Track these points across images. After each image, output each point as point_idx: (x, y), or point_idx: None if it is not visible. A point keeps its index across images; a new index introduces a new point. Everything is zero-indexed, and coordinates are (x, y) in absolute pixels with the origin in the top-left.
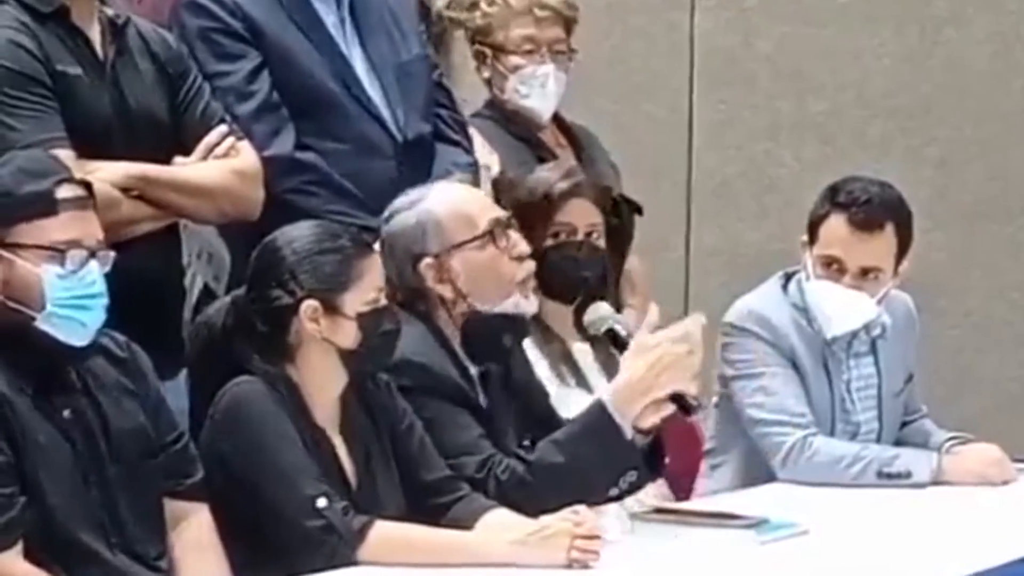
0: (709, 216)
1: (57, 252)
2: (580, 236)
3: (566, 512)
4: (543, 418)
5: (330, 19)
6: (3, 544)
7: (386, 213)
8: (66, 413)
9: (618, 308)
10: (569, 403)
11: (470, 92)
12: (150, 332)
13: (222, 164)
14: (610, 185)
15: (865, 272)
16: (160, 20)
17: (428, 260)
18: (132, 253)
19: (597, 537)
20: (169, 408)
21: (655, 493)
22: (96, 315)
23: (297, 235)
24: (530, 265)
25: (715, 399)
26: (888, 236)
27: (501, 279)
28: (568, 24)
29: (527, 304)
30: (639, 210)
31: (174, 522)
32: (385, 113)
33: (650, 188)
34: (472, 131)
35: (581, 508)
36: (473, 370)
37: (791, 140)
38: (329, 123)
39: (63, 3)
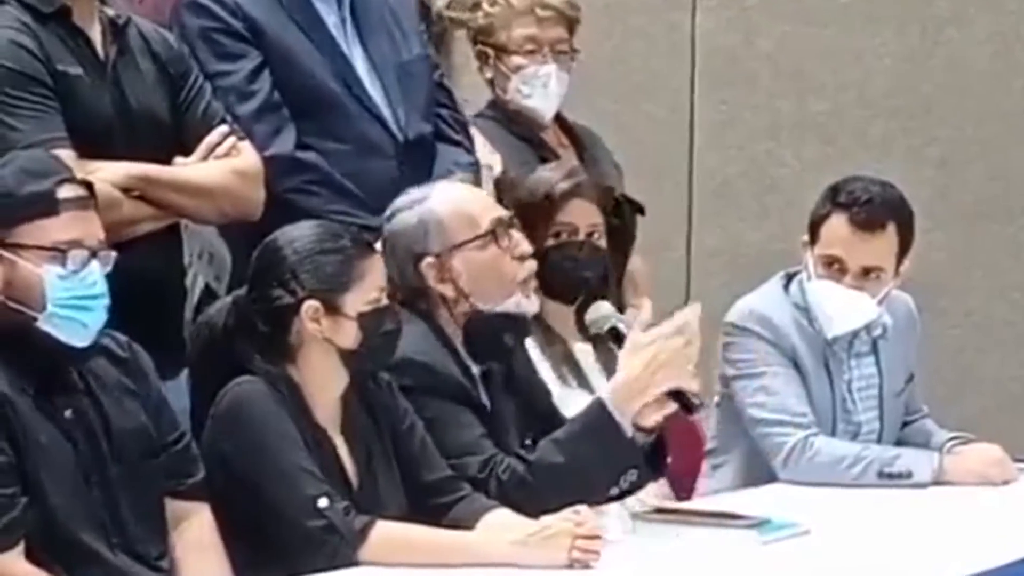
0: (710, 216)
1: (58, 252)
2: (581, 236)
3: (567, 512)
4: (546, 417)
5: (331, 19)
6: (5, 544)
7: (388, 212)
8: (68, 413)
9: (621, 308)
10: (571, 404)
11: (470, 92)
12: (151, 332)
13: (223, 164)
14: (612, 185)
15: (866, 272)
16: (161, 20)
17: (430, 259)
18: (133, 253)
19: (598, 537)
20: (171, 408)
21: (656, 493)
22: (97, 315)
23: (298, 235)
24: (531, 265)
25: (716, 399)
26: (889, 236)
27: (503, 279)
28: (570, 24)
29: (528, 304)
30: (641, 210)
31: (175, 522)
32: (386, 113)
33: (651, 188)
34: (474, 131)
35: (582, 508)
36: (475, 369)
37: (792, 140)
38: (330, 123)
39: (64, 3)
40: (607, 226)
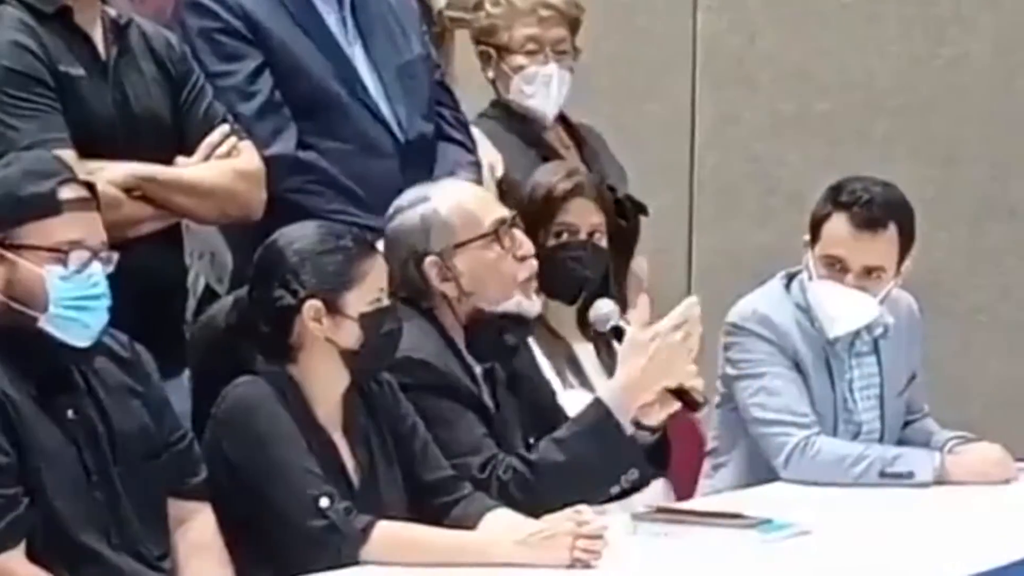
0: (712, 216)
1: (60, 253)
2: (583, 236)
3: (569, 512)
4: (550, 416)
5: (331, 19)
6: (6, 544)
7: (390, 211)
8: (70, 413)
9: (624, 308)
10: (572, 403)
11: (470, 92)
12: (153, 332)
13: (224, 164)
14: (613, 185)
15: (868, 272)
16: (163, 20)
17: (432, 258)
18: (135, 253)
19: (600, 537)
20: (173, 408)
21: (657, 493)
22: (99, 316)
23: (299, 235)
24: (533, 264)
25: (717, 399)
26: (891, 236)
27: (504, 278)
28: (573, 24)
29: (529, 305)
30: (644, 211)
31: (178, 522)
32: (387, 113)
33: (653, 188)
34: (477, 131)
35: (583, 508)
36: (478, 369)
37: (794, 140)
38: (331, 123)
39: (65, 3)
40: (610, 226)
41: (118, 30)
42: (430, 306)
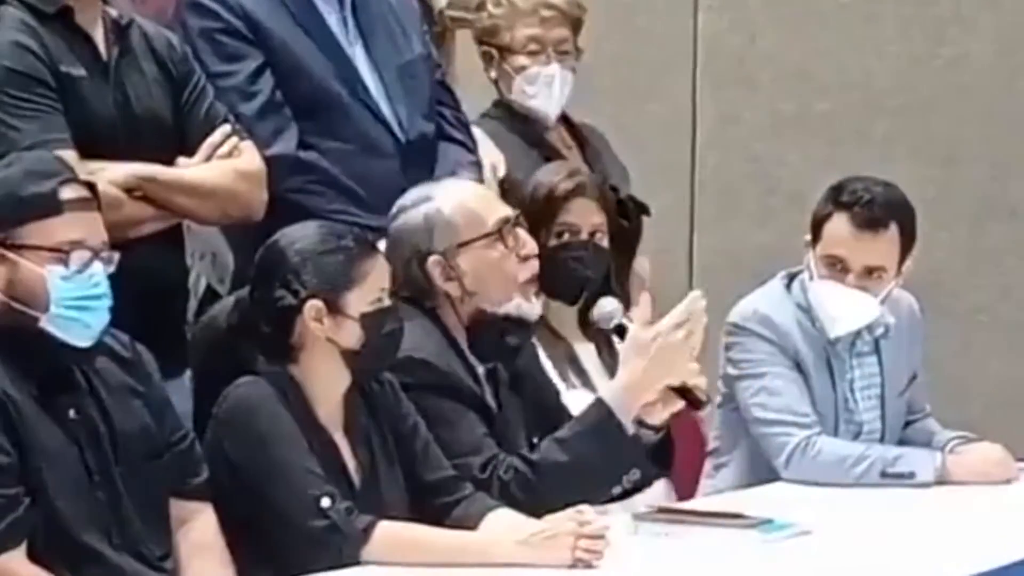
0: (712, 216)
1: (61, 253)
2: (584, 236)
3: (570, 512)
4: (554, 416)
5: (332, 19)
6: (8, 544)
7: (393, 210)
8: (71, 414)
9: (627, 308)
10: (573, 403)
11: (471, 92)
12: (154, 332)
13: (225, 165)
14: (616, 185)
15: (869, 272)
16: (164, 21)
17: (435, 258)
18: (136, 253)
19: (601, 537)
20: (174, 408)
21: (659, 493)
22: (100, 316)
23: (300, 235)
24: (534, 265)
25: (718, 399)
26: (892, 236)
27: (506, 279)
28: (575, 24)
29: (529, 308)
30: (647, 211)
31: (179, 522)
32: (387, 113)
33: (654, 188)
34: (479, 132)
35: (585, 508)
36: (480, 368)
37: (795, 140)
38: (332, 123)
39: (66, 4)
40: (612, 226)
41: (119, 30)
42: (433, 306)
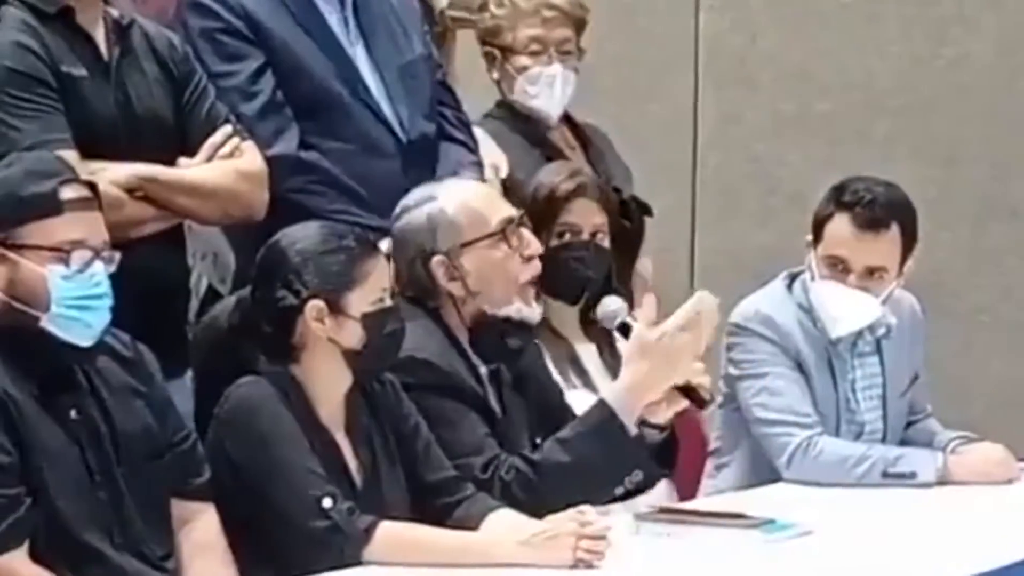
0: (714, 216)
1: (62, 252)
2: (585, 236)
3: (571, 512)
4: (558, 416)
5: (333, 19)
6: (9, 545)
7: (397, 209)
8: (72, 413)
9: (630, 309)
10: (575, 404)
11: (472, 92)
12: (155, 332)
13: (227, 165)
14: (618, 186)
15: (870, 272)
16: (165, 21)
17: (439, 258)
18: (137, 254)
19: (602, 537)
20: (176, 408)
21: (660, 493)
22: (101, 315)
23: (302, 235)
24: (536, 266)
25: (720, 399)
26: (893, 236)
27: (509, 279)
28: (577, 24)
29: (529, 311)
30: (649, 212)
31: (181, 522)
32: (389, 113)
33: (655, 188)
34: (482, 132)
35: (586, 508)
36: (483, 369)
37: (796, 140)
38: (333, 123)
39: (67, 4)
40: (613, 227)
41: (120, 30)
42: (436, 306)
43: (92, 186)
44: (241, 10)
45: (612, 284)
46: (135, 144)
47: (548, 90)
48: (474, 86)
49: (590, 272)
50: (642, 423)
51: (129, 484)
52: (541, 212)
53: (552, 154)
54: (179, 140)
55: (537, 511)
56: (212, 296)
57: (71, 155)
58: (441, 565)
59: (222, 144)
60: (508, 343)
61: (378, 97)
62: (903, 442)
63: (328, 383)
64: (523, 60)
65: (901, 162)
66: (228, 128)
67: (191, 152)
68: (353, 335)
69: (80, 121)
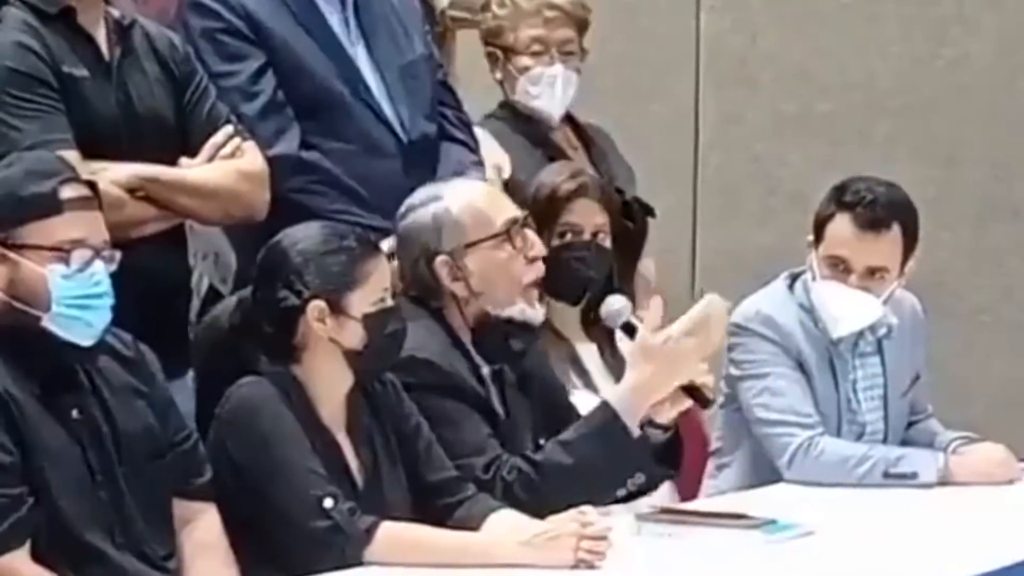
0: (715, 216)
1: (62, 252)
2: (587, 236)
3: (573, 513)
4: (564, 416)
5: (334, 19)
6: (10, 544)
7: (402, 208)
8: (74, 413)
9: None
10: (576, 405)
11: (473, 93)
12: (157, 333)
13: (228, 165)
14: (620, 186)
15: (871, 272)
16: (166, 21)
17: (443, 257)
18: (138, 254)
19: (604, 538)
20: (177, 408)
21: (661, 493)
22: (102, 315)
23: (303, 236)
24: (539, 268)
25: (721, 399)
26: (894, 236)
27: (513, 280)
28: (580, 24)
29: (533, 313)
30: (652, 212)
31: (183, 522)
32: (389, 113)
33: (656, 189)
34: (484, 132)
35: (588, 509)
36: (485, 369)
37: (797, 140)
38: (334, 123)
39: (69, 4)
40: (615, 227)
41: (121, 31)
42: (439, 306)
43: (92, 185)
44: (242, 10)
45: (613, 284)
46: (136, 144)
47: (550, 90)
48: (475, 86)
49: (591, 272)
50: (647, 423)
51: (131, 484)
52: (542, 212)
53: (554, 154)
54: (180, 140)
55: (539, 512)
56: (213, 296)
57: (72, 155)
58: (442, 565)
59: (223, 144)
60: (511, 344)
61: (379, 97)
62: (904, 442)
63: (329, 383)
64: (525, 60)
65: (902, 162)
66: (229, 128)
67: (192, 152)
68: (354, 335)
69: (81, 121)
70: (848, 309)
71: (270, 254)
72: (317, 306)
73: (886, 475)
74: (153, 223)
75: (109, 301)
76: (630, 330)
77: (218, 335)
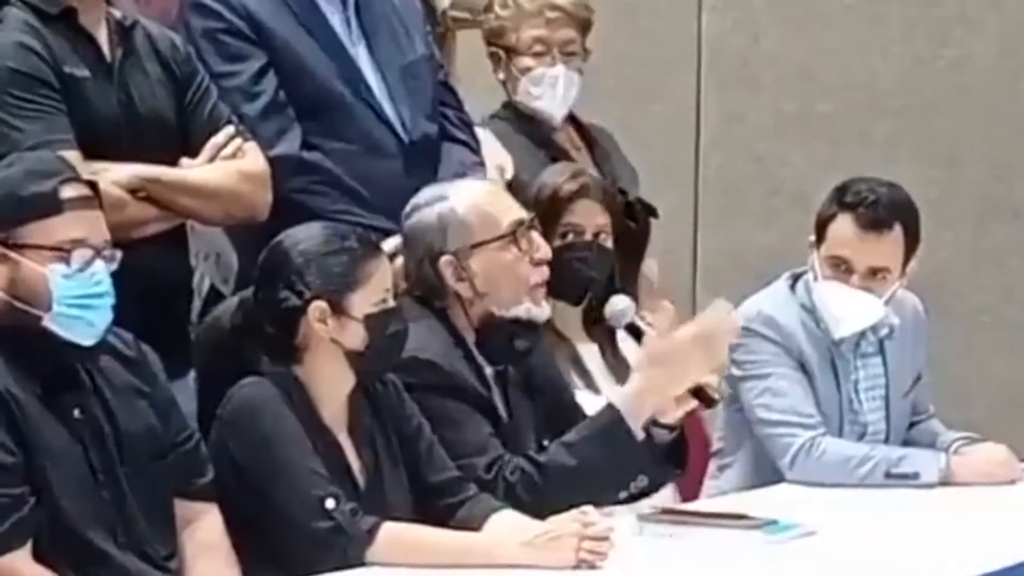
0: (716, 217)
1: (62, 251)
2: (588, 237)
3: (574, 513)
4: (569, 416)
5: (335, 19)
6: (12, 544)
7: (408, 208)
8: (76, 413)
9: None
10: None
11: (474, 93)
12: (158, 333)
13: (229, 166)
14: (623, 187)
15: (873, 273)
16: (167, 22)
17: (448, 257)
18: (140, 254)
19: (605, 538)
20: (179, 408)
21: (663, 494)
22: (103, 314)
23: (304, 236)
24: (544, 271)
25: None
26: (896, 236)
27: (518, 281)
28: (582, 25)
29: (538, 311)
30: (655, 213)
31: (185, 523)
32: (391, 113)
33: (658, 189)
34: (487, 133)
35: (589, 509)
36: (488, 370)
37: (798, 140)
38: (335, 123)
39: (70, 5)
40: (617, 227)
41: (123, 31)
42: (443, 306)
43: (92, 185)
44: (243, 11)
45: (615, 285)
46: (137, 145)
47: (551, 91)
48: (476, 87)
49: (593, 273)
50: (652, 423)
51: (132, 484)
52: (544, 213)
53: (557, 155)
54: (181, 141)
55: (540, 513)
56: (215, 297)
57: (74, 156)
58: (444, 566)
59: (224, 145)
60: (516, 344)
61: (380, 97)
62: (906, 443)
63: (331, 384)
64: (527, 61)
65: (903, 163)
66: (230, 129)
67: (193, 153)
68: (356, 336)
69: (83, 122)
70: (850, 309)
71: (271, 255)
72: (318, 307)
73: (888, 475)
74: (154, 223)
75: (110, 301)
76: (634, 330)
77: (220, 335)
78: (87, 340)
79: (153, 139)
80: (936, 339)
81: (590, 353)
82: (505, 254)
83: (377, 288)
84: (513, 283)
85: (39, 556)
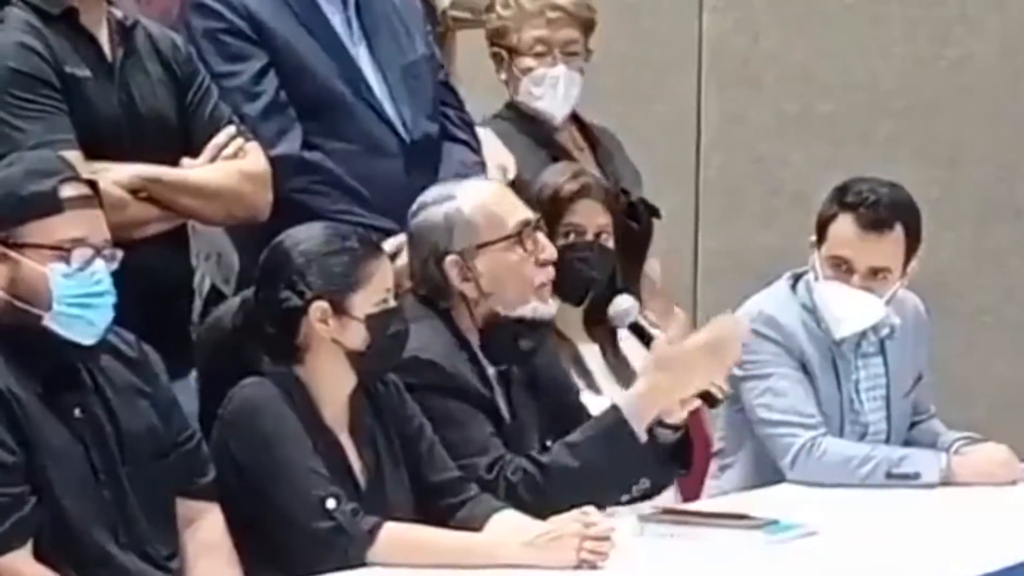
0: (717, 217)
1: (62, 251)
2: (589, 237)
3: (575, 513)
4: (574, 415)
5: (336, 19)
6: (13, 544)
7: (415, 206)
8: (76, 412)
9: None
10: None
11: (475, 93)
12: (159, 333)
13: (230, 166)
14: (626, 187)
15: (874, 272)
16: (168, 22)
17: (453, 257)
18: (141, 254)
19: (606, 538)
20: (181, 408)
21: (664, 494)
22: (103, 313)
23: (305, 236)
24: (550, 271)
25: None
26: (897, 236)
27: (523, 282)
28: (584, 25)
29: (545, 309)
30: (657, 213)
31: (186, 522)
32: (391, 113)
33: (659, 189)
34: (490, 133)
35: (590, 509)
36: (490, 370)
37: (799, 140)
38: (336, 123)
39: (71, 5)
40: (618, 228)
41: (124, 31)
42: (447, 306)
43: (92, 184)
44: (244, 11)
45: (616, 285)
46: (138, 145)
47: (552, 91)
48: (478, 87)
49: (594, 273)
50: (656, 423)
51: (134, 483)
52: (545, 213)
53: (559, 155)
54: (183, 141)
55: (542, 513)
56: (216, 297)
57: (75, 156)
58: (445, 566)
59: (225, 145)
60: (520, 344)
61: (381, 97)
62: (907, 443)
63: (332, 384)
64: (528, 61)
65: (904, 163)
66: (231, 129)
67: (194, 153)
68: (357, 336)
69: (84, 122)
70: (851, 309)
71: (272, 255)
72: (320, 307)
73: (889, 475)
74: (155, 223)
75: (110, 300)
76: (638, 330)
77: (221, 336)
78: (87, 339)
79: (154, 139)
80: (937, 339)
81: (591, 353)
82: (511, 254)
83: (378, 288)
84: (518, 283)
85: (40, 556)
